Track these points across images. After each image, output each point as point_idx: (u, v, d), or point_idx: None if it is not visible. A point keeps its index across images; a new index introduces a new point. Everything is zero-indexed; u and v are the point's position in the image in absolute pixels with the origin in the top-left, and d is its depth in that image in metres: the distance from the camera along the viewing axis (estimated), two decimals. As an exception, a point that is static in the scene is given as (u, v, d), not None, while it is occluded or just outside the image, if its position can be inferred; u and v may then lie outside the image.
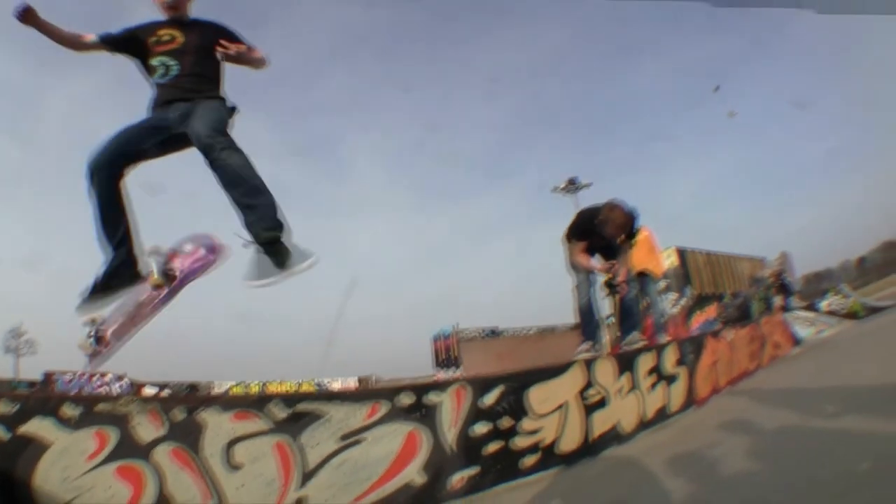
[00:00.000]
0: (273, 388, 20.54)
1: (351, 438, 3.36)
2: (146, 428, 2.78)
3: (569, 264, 5.55)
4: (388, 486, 3.36)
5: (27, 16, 2.72)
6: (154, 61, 3.06)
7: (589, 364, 4.69)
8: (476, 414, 3.87)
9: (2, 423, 2.49)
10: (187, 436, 2.87)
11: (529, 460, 3.98)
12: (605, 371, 4.79)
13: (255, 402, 3.22)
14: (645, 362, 5.27)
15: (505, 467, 3.86)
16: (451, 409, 3.78)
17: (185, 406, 2.97)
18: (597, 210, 5.31)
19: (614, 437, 4.58)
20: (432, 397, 3.75)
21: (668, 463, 3.67)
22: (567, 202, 27.26)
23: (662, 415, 5.21)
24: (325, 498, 3.15)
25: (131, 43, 3.12)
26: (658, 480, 3.35)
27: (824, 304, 13.55)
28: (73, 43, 3.02)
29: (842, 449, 2.83)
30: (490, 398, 3.99)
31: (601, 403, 4.61)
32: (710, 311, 11.73)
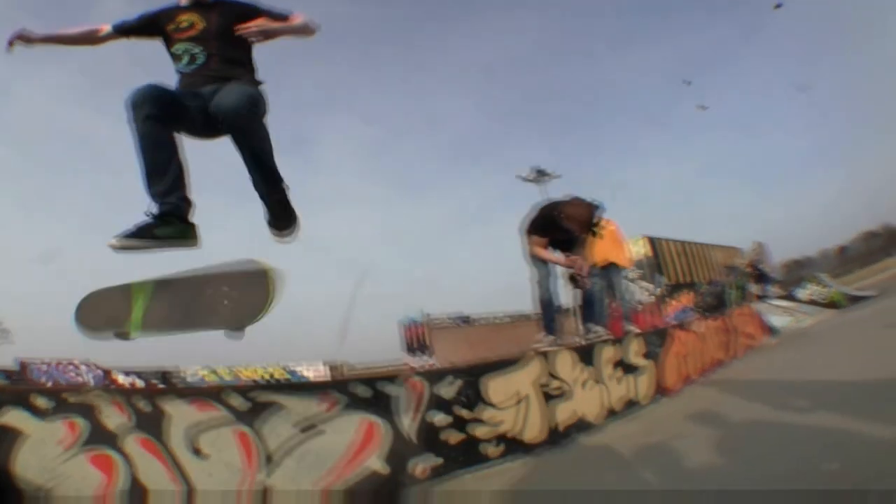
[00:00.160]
0: (245, 374, 20.28)
1: (311, 430, 3.38)
2: (114, 418, 2.85)
3: (528, 257, 5.53)
4: (352, 476, 3.37)
5: (23, 40, 2.65)
6: (177, 49, 2.77)
7: (548, 356, 4.66)
8: (435, 405, 3.86)
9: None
10: (153, 426, 2.93)
11: (493, 450, 3.96)
12: (565, 363, 4.77)
13: (215, 393, 3.27)
14: (608, 354, 5.25)
15: (467, 457, 3.84)
16: (408, 401, 3.76)
17: (148, 397, 3.05)
18: (556, 205, 5.36)
19: (581, 427, 4.56)
20: (389, 389, 3.73)
21: (634, 454, 3.68)
22: (538, 191, 27.17)
23: (632, 405, 5.21)
24: (291, 488, 3.16)
25: (149, 30, 2.87)
26: (624, 471, 3.35)
27: (804, 294, 13.53)
28: (87, 40, 2.85)
29: (809, 447, 2.78)
30: (448, 390, 3.97)
31: (564, 395, 4.59)
32: (686, 300, 11.66)
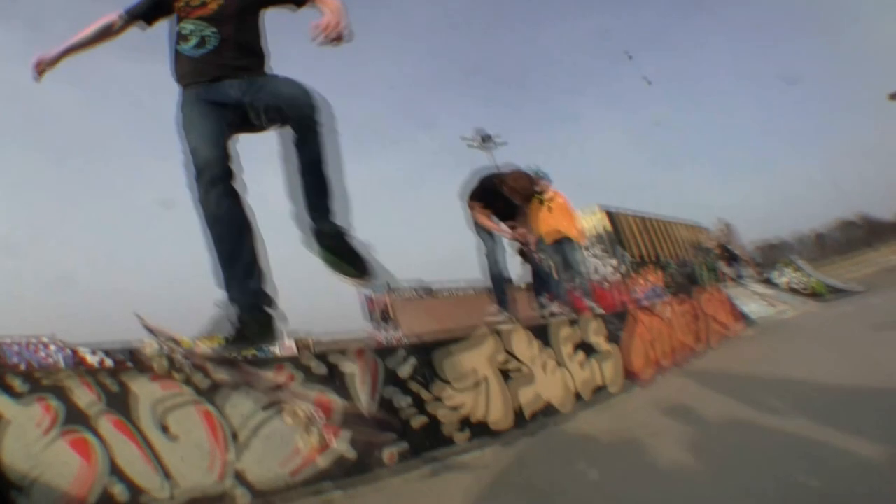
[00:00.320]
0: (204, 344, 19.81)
1: (273, 408, 3.33)
2: (84, 398, 2.81)
3: (473, 226, 5.42)
4: (320, 459, 3.32)
5: (45, 65, 2.48)
6: (184, 28, 2.39)
7: (501, 334, 4.60)
8: (392, 383, 3.80)
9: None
10: (122, 406, 2.90)
11: (458, 435, 3.89)
12: (520, 341, 4.70)
13: (176, 369, 3.19)
14: (566, 335, 5.18)
15: (433, 441, 3.77)
16: (363, 379, 3.69)
17: (112, 375, 3.00)
18: (498, 176, 5.33)
19: (550, 415, 4.49)
20: (342, 366, 3.66)
21: (604, 448, 3.65)
22: (485, 157, 26.59)
23: (600, 391, 5.16)
24: (259, 470, 3.12)
25: (159, 9, 2.51)
26: (592, 465, 3.30)
27: (784, 281, 13.25)
28: (104, 36, 2.55)
29: (788, 459, 2.66)
30: (403, 368, 3.91)
31: (523, 377, 4.52)
32: (656, 279, 11.55)
